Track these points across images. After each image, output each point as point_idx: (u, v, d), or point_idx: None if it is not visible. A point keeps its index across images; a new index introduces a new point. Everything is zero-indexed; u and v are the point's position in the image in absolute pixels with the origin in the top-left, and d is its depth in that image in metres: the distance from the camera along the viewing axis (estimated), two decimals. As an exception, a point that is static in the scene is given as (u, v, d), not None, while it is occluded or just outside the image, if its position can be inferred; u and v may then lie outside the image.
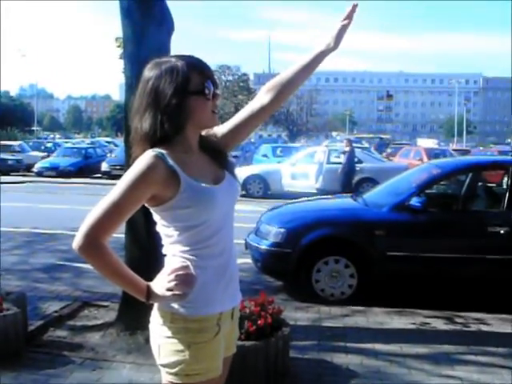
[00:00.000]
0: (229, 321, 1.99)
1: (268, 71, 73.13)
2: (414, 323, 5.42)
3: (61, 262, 7.92)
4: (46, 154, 29.19)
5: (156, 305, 1.92)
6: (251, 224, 7.43)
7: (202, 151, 2.01)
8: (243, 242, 7.04)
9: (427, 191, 6.64)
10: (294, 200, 8.64)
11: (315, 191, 16.22)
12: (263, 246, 6.50)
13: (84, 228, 1.78)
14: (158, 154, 1.84)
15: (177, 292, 1.79)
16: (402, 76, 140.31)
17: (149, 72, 1.91)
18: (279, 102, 2.12)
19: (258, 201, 16.17)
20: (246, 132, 2.17)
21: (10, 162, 26.39)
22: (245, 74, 63.03)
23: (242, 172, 17.99)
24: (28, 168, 26.17)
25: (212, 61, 60.30)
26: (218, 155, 2.03)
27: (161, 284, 1.83)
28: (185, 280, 1.81)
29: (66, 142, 38.82)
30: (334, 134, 62.48)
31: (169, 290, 1.80)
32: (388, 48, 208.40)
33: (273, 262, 6.54)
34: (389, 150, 34.24)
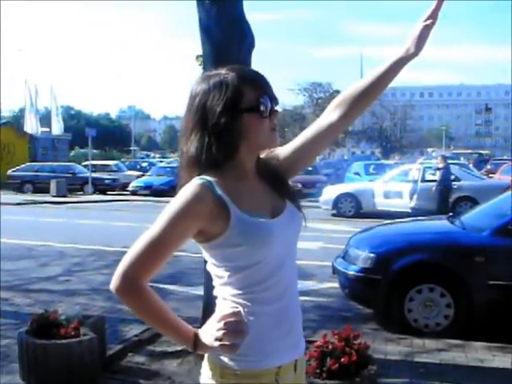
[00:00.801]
0: (291, 375, 1.69)
1: (360, 87, 72.15)
2: (519, 362, 4.86)
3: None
4: (141, 173, 30.08)
5: (206, 355, 1.66)
6: (341, 245, 7.10)
7: (260, 177, 1.73)
8: (331, 264, 6.70)
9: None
10: (385, 221, 8.20)
11: (409, 210, 15.70)
12: (351, 271, 6.12)
13: (121, 268, 1.56)
14: (206, 182, 1.59)
15: (226, 342, 1.52)
16: (502, 88, 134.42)
17: (196, 87, 1.67)
18: (350, 118, 1.80)
19: (350, 220, 15.78)
20: (313, 154, 1.86)
21: (106, 181, 27.38)
22: (337, 91, 62.49)
23: (333, 190, 17.73)
24: (124, 187, 27.02)
25: (303, 78, 60.49)
26: (278, 182, 1.75)
27: (209, 332, 1.56)
28: (235, 329, 1.53)
29: (161, 162, 39.85)
30: (429, 150, 60.62)
31: (217, 339, 1.52)
32: (484, 60, 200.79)
33: (361, 288, 6.15)
34: (489, 167, 32.65)
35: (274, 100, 1.66)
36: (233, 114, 1.60)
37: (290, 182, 1.80)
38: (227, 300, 1.64)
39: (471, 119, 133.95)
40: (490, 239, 5.79)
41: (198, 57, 5.37)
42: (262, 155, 1.75)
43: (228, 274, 1.62)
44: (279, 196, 1.73)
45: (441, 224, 6.92)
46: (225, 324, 1.52)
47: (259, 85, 1.64)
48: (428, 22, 1.72)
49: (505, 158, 50.89)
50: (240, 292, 1.62)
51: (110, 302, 6.71)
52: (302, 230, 1.76)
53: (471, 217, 6.68)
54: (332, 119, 1.77)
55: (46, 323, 4.36)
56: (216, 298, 1.70)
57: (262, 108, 1.62)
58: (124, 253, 1.59)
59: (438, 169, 15.93)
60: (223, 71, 1.66)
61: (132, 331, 5.51)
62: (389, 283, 5.84)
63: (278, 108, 1.69)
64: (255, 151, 1.69)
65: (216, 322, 1.55)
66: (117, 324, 5.70)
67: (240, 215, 1.59)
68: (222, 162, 1.63)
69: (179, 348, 5.12)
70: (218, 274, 1.65)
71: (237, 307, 1.60)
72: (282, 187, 1.75)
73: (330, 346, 3.77)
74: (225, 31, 4.89)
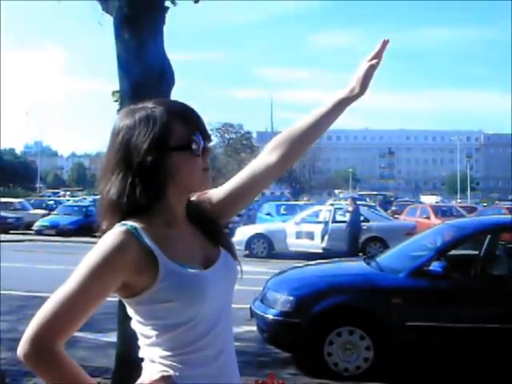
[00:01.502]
0: None
1: (271, 129, 73.69)
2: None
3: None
4: (46, 211, 28.84)
5: None
6: (255, 287, 6.96)
7: (191, 222, 1.56)
8: (247, 307, 6.55)
9: (447, 255, 6.14)
10: (298, 262, 8.16)
11: (321, 251, 15.94)
12: (270, 315, 5.97)
13: (30, 330, 1.32)
14: (130, 228, 1.40)
15: None
16: (403, 133, 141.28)
17: (120, 122, 1.49)
18: (289, 161, 1.69)
19: (263, 261, 15.73)
20: (249, 197, 1.72)
21: (9, 220, 25.95)
22: (248, 132, 63.64)
23: (246, 231, 17.68)
24: (28, 226, 25.71)
25: (215, 119, 61.02)
26: (210, 227, 1.59)
27: None
28: None
29: (68, 200, 38.53)
30: (336, 191, 62.33)
31: None
32: (388, 105, 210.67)
33: (281, 332, 6.00)
34: (394, 208, 33.93)
35: (206, 137, 1.51)
36: (160, 152, 1.43)
37: (222, 228, 1.64)
38: (156, 363, 1.44)
39: (375, 162, 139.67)
40: (406, 281, 5.84)
41: (114, 92, 5.16)
42: (193, 198, 1.60)
43: (156, 333, 1.43)
44: (212, 243, 1.57)
45: (358, 266, 6.94)
46: None
47: (190, 120, 1.49)
48: (373, 61, 1.66)
49: (407, 199, 53.24)
50: (170, 353, 1.43)
51: (12, 352, 6.17)
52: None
53: (387, 258, 6.74)
54: (270, 161, 1.65)
55: None
56: (142, 360, 1.49)
57: (193, 146, 1.46)
58: (29, 297, 1.38)
59: (348, 211, 16.30)
60: (150, 105, 1.49)
61: (74, 361, 5.07)
62: (308, 326, 5.73)
63: (209, 145, 1.55)
64: (185, 193, 1.52)
65: None
66: (20, 378, 5.24)
67: (170, 266, 1.41)
68: (147, 205, 1.44)
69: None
70: (145, 333, 1.45)
71: (167, 371, 1.41)
72: (214, 233, 1.59)
73: (255, 397, 3.57)
74: (144, 67, 4.73)
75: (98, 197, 1.53)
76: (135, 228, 1.40)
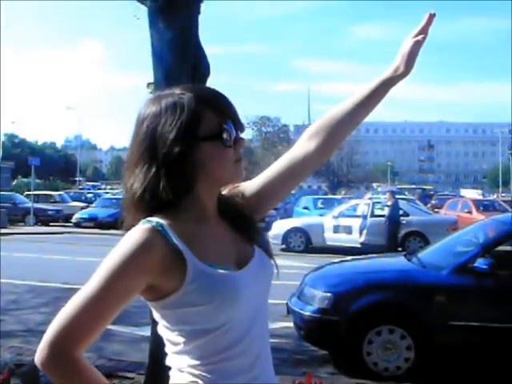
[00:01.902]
0: None
1: (308, 122, 73.38)
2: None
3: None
4: (85, 204, 29.22)
5: None
6: (291, 281, 6.81)
7: (222, 218, 1.42)
8: (284, 302, 6.40)
9: (493, 251, 5.88)
10: (336, 257, 7.98)
11: (359, 245, 15.70)
12: (307, 312, 5.81)
13: (48, 336, 1.21)
14: (156, 225, 1.27)
15: None
16: (443, 125, 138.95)
17: (145, 110, 1.36)
18: (329, 149, 1.54)
19: (299, 255, 15.57)
20: (285, 190, 1.56)
21: (49, 213, 26.45)
22: (285, 126, 63.47)
23: (283, 225, 17.55)
24: (67, 218, 26.12)
25: (252, 112, 60.95)
26: (244, 223, 1.44)
27: None
28: None
29: (107, 193, 38.98)
30: (374, 185, 61.65)
31: None
32: (426, 98, 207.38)
33: (318, 330, 5.83)
34: (433, 202, 33.33)
35: (239, 126, 1.37)
36: (189, 142, 1.30)
37: (257, 224, 1.49)
38: (184, 372, 1.31)
39: (414, 155, 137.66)
40: (450, 278, 5.61)
41: (149, 84, 5.07)
42: (224, 192, 1.46)
43: (184, 339, 1.29)
44: (245, 241, 1.42)
45: (399, 262, 6.71)
46: None
47: (222, 108, 1.34)
48: (419, 37, 1.51)
49: (446, 192, 52.22)
50: (200, 362, 1.29)
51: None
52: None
53: (429, 254, 6.51)
54: (308, 150, 1.49)
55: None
56: (169, 368, 1.36)
57: (224, 136, 1.32)
58: (65, 290, 1.25)
59: (387, 205, 16.03)
60: (177, 91, 1.35)
61: (95, 369, 5.04)
62: (347, 324, 5.55)
63: (242, 135, 1.40)
64: (216, 187, 1.38)
65: None
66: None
67: (199, 266, 1.27)
68: (174, 200, 1.31)
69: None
70: (172, 339, 1.32)
71: (196, 382, 1.28)
72: (248, 230, 1.44)
73: (291, 399, 3.43)
74: (179, 56, 4.63)
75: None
76: (161, 225, 1.27)
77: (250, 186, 1.50)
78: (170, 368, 1.36)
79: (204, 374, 1.28)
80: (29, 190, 28.15)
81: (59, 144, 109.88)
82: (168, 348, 1.34)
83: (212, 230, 1.37)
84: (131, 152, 1.36)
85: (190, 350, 1.29)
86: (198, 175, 1.32)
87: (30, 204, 25.91)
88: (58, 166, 68.95)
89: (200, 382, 1.28)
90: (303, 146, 1.51)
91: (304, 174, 1.57)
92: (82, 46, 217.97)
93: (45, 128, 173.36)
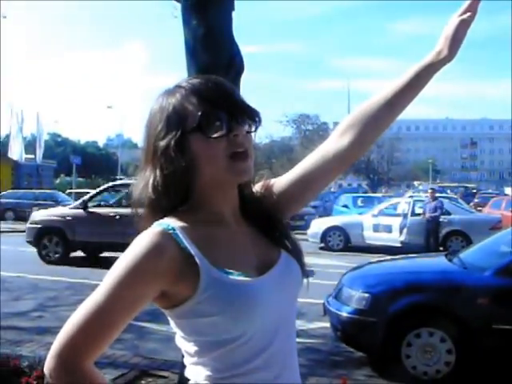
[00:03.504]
0: None
1: (348, 120, 72.77)
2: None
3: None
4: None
5: None
6: (329, 281, 6.71)
7: (247, 219, 1.32)
8: (321, 302, 6.28)
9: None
10: (375, 256, 7.82)
11: (399, 244, 15.45)
12: (344, 312, 5.68)
13: (56, 346, 1.14)
14: (168, 229, 1.18)
15: None
16: (486, 122, 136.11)
17: (152, 106, 1.30)
18: (364, 144, 1.41)
19: (338, 254, 15.42)
20: (315, 188, 1.44)
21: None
22: (324, 123, 63.00)
23: (321, 223, 17.41)
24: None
25: (291, 110, 60.74)
26: (271, 226, 1.32)
27: None
28: None
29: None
30: (416, 183, 60.72)
31: None
32: (469, 95, 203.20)
33: (355, 331, 5.70)
34: (476, 200, 32.59)
35: (238, 116, 1.22)
36: (176, 138, 1.21)
37: (287, 227, 1.37)
38: None
39: (457, 153, 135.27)
40: (493, 279, 5.41)
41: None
42: (254, 190, 1.35)
43: (200, 350, 1.21)
44: (271, 245, 1.31)
45: (439, 262, 6.52)
46: None
47: (209, 96, 1.21)
48: (465, 15, 1.34)
49: (490, 191, 51.04)
50: (218, 375, 1.20)
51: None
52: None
53: (471, 255, 6.30)
54: (341, 146, 1.37)
55: (6, 371, 3.90)
56: (188, 380, 1.27)
57: (207, 127, 1.19)
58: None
59: (430, 203, 15.68)
60: (181, 83, 1.26)
61: (106, 376, 5.04)
62: (385, 326, 5.41)
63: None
64: (217, 185, 1.25)
65: None
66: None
67: (213, 273, 1.17)
68: (181, 202, 1.24)
69: (157, 397, 4.72)
70: (188, 350, 1.24)
71: None
72: (275, 233, 1.32)
73: (325, 404, 3.33)
74: (212, 54, 4.58)
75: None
76: (173, 228, 1.19)
77: (278, 184, 1.39)
78: (188, 380, 1.28)
79: None
80: (71, 188, 28.63)
81: (101, 143, 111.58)
82: (186, 359, 1.26)
83: (230, 233, 1.27)
84: (142, 153, 1.30)
85: (206, 361, 1.21)
86: (194, 174, 1.23)
87: (71, 202, 26.32)
88: (99, 165, 69.98)
89: None
90: (336, 141, 1.39)
91: (337, 171, 1.45)
92: (124, 46, 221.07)
93: (87, 127, 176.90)
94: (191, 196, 1.26)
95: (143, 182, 1.25)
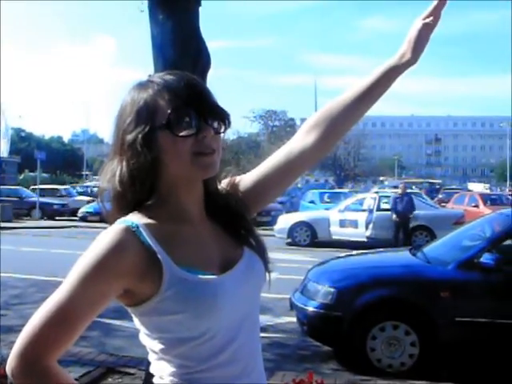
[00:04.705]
0: None
1: (315, 116, 73.05)
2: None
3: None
4: (91, 198, 29.20)
5: None
6: (296, 276, 6.75)
7: (211, 216, 1.33)
8: (288, 297, 6.33)
9: (499, 246, 5.78)
10: (342, 251, 7.90)
11: (365, 239, 15.61)
12: (310, 307, 5.73)
13: (18, 345, 1.14)
14: (131, 225, 1.19)
15: None
16: (451, 119, 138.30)
17: (122, 99, 1.29)
18: (329, 143, 1.44)
19: (305, 249, 15.51)
20: (280, 186, 1.47)
21: (55, 207, 26.47)
22: (292, 119, 63.24)
23: (288, 219, 17.48)
24: (73, 212, 26.12)
25: (258, 106, 60.72)
26: (234, 222, 1.34)
27: None
28: None
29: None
30: (382, 178, 61.42)
31: None
32: (433, 92, 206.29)
33: (321, 326, 5.75)
34: (440, 196, 33.15)
35: (207, 117, 1.22)
36: (144, 132, 1.21)
37: (251, 223, 1.39)
38: (165, 381, 1.23)
39: (422, 149, 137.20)
40: (455, 273, 5.52)
41: (150, 76, 5.00)
42: (219, 187, 1.36)
43: (164, 347, 1.22)
44: (234, 242, 1.33)
45: (403, 257, 6.62)
46: None
47: (181, 93, 1.21)
48: (428, 19, 1.37)
49: (454, 186, 51.89)
50: (181, 371, 1.21)
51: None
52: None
53: (434, 249, 6.41)
54: (306, 144, 1.39)
55: (-32, 370, 3.83)
56: (152, 376, 1.28)
57: (176, 125, 1.20)
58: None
59: (401, 197, 15.84)
60: (154, 78, 1.26)
61: (71, 374, 4.97)
62: (350, 320, 5.48)
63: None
64: (182, 181, 1.25)
65: None
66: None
67: (176, 272, 1.18)
68: (145, 194, 1.24)
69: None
70: (153, 347, 1.24)
71: None
72: (238, 230, 1.34)
73: (291, 397, 3.36)
74: (179, 48, 4.56)
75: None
76: (137, 225, 1.19)
77: (245, 181, 1.41)
78: (153, 376, 1.28)
79: (186, 383, 1.21)
80: (35, 184, 28.17)
81: (66, 138, 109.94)
82: (150, 355, 1.27)
83: (194, 230, 1.27)
84: (111, 144, 1.30)
85: (170, 358, 1.22)
86: (158, 170, 1.23)
87: (36, 198, 25.95)
88: (64, 160, 68.89)
89: None
90: (302, 139, 1.41)
91: (302, 169, 1.47)
92: (91, 41, 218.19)
93: (52, 122, 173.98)
94: (157, 191, 1.26)
95: (110, 174, 1.25)
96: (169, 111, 1.20)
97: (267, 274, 1.35)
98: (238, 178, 1.41)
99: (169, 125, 1.20)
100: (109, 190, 1.26)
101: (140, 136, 1.21)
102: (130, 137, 1.22)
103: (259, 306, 1.35)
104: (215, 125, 1.25)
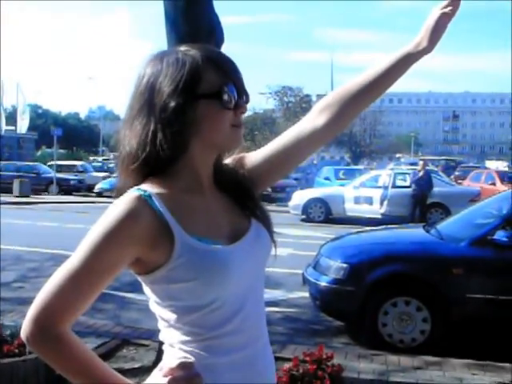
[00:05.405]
0: None
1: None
2: (500, 382, 4.58)
3: (106, 291, 7.46)
4: (107, 174, 29.41)
5: None
6: (310, 252, 6.79)
7: (221, 189, 1.36)
8: (300, 272, 6.39)
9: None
10: (356, 228, 7.91)
11: (379, 216, 15.59)
12: (323, 282, 5.78)
13: (32, 311, 1.17)
14: (144, 194, 1.21)
15: None
16: (469, 96, 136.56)
17: (145, 67, 1.30)
18: (339, 125, 1.45)
19: (319, 226, 15.51)
20: (289, 165, 1.49)
21: (72, 182, 26.72)
22: (307, 96, 62.63)
23: (303, 195, 17.47)
24: (90, 188, 26.36)
25: (274, 82, 60.25)
26: (242, 195, 1.37)
27: None
28: None
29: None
30: (398, 155, 60.98)
31: None
32: (452, 68, 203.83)
33: (333, 300, 5.81)
34: (457, 173, 32.91)
35: (243, 94, 1.30)
36: (186, 97, 1.23)
37: (257, 197, 1.42)
38: (175, 348, 1.27)
39: (439, 126, 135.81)
40: (468, 250, 5.53)
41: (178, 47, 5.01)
42: (226, 161, 1.40)
43: (174, 315, 1.25)
44: (242, 214, 1.36)
45: (417, 233, 6.63)
46: (172, 380, 1.16)
47: (226, 69, 1.28)
48: (447, 9, 1.37)
49: (471, 164, 51.43)
50: (191, 338, 1.25)
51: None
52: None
53: (448, 226, 6.41)
54: (317, 125, 1.41)
55: (-13, 340, 3.93)
56: (162, 343, 1.32)
57: (224, 97, 1.25)
58: None
59: (419, 174, 15.85)
60: (182, 48, 1.29)
61: (87, 345, 5.08)
62: (362, 295, 5.52)
63: (249, 111, 1.34)
64: (211, 151, 1.31)
65: (162, 375, 1.17)
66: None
67: (187, 240, 1.21)
68: (169, 158, 1.26)
69: (137, 365, 4.78)
70: (163, 315, 1.27)
71: (188, 358, 1.22)
72: (246, 203, 1.37)
73: (301, 370, 3.41)
74: (192, 24, 4.55)
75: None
76: (150, 194, 1.22)
77: (253, 158, 1.44)
78: (163, 343, 1.32)
79: (195, 350, 1.24)
80: (52, 160, 28.39)
81: (83, 115, 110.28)
82: (160, 323, 1.30)
83: (205, 201, 1.31)
84: (130, 107, 1.30)
85: (180, 326, 1.25)
86: (193, 134, 1.26)
87: (52, 174, 26.17)
88: (81, 137, 69.35)
89: (192, 358, 1.23)
90: (313, 120, 1.43)
91: (311, 149, 1.49)
92: (106, 15, 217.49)
93: (69, 99, 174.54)
94: (183, 154, 1.28)
95: (137, 134, 1.26)
96: (222, 85, 1.25)
97: (273, 248, 1.38)
98: (243, 155, 1.44)
99: (218, 95, 1.25)
100: (133, 152, 1.27)
101: (182, 102, 1.23)
102: (171, 102, 1.24)
103: (264, 277, 1.38)
104: (245, 100, 1.32)
